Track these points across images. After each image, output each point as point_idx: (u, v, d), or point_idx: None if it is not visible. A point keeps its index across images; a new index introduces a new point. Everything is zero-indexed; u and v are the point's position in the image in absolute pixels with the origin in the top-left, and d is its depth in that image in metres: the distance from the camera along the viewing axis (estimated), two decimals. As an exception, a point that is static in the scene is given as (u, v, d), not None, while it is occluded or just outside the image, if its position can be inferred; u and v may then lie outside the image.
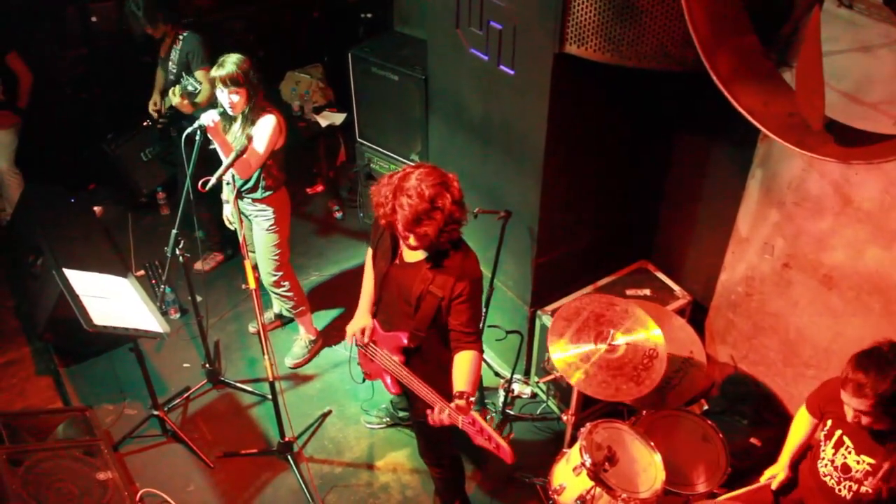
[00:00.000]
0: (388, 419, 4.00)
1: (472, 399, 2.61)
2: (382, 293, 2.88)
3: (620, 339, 3.05)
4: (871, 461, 2.57)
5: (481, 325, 3.69)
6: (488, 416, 2.54)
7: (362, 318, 3.02)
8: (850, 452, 2.63)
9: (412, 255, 2.71)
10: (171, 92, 4.26)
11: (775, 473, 2.97)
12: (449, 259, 2.64)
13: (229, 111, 3.57)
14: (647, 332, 3.08)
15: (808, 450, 2.99)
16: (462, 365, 2.66)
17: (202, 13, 5.51)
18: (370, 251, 3.00)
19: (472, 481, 3.65)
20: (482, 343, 2.77)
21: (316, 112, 5.60)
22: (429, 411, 2.66)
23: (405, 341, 2.81)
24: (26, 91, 4.87)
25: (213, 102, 3.66)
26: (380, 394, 3.81)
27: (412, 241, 2.54)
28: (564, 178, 3.48)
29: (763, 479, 3.00)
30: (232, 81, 3.47)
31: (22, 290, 4.67)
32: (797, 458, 2.97)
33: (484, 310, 3.73)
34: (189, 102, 4.24)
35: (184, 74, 4.25)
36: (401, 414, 3.94)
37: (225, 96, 3.52)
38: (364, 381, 3.25)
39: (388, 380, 3.00)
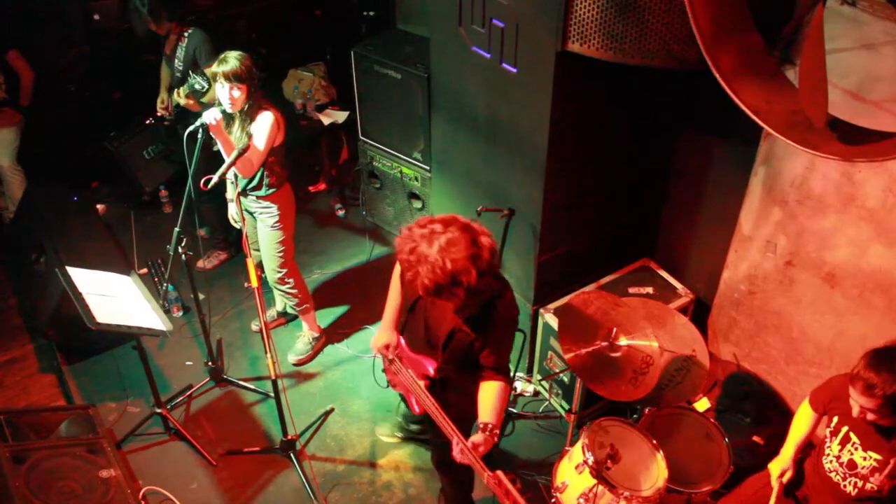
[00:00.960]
0: (400, 434, 3.90)
1: (497, 431, 2.54)
2: (410, 319, 2.78)
3: (623, 342, 3.06)
4: (878, 457, 2.57)
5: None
6: (516, 481, 2.47)
7: (386, 333, 2.90)
8: (856, 449, 2.63)
9: None
10: (176, 92, 4.26)
11: (785, 468, 2.91)
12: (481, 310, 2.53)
13: (228, 108, 3.56)
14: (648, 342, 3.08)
15: (812, 447, 2.99)
16: (488, 395, 2.59)
17: (204, 11, 5.51)
18: (398, 267, 2.83)
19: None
20: (510, 374, 2.71)
21: (318, 110, 5.59)
22: (454, 445, 2.50)
23: (431, 371, 2.72)
24: (28, 89, 4.87)
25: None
26: (380, 391, 3.80)
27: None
28: (567, 176, 3.48)
29: (774, 480, 2.91)
30: (235, 77, 3.47)
31: (25, 287, 4.68)
32: (800, 455, 2.95)
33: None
34: (196, 101, 4.23)
35: (190, 73, 4.24)
36: (412, 427, 3.84)
37: (225, 92, 3.51)
38: (388, 386, 3.15)
39: (413, 400, 2.89)
